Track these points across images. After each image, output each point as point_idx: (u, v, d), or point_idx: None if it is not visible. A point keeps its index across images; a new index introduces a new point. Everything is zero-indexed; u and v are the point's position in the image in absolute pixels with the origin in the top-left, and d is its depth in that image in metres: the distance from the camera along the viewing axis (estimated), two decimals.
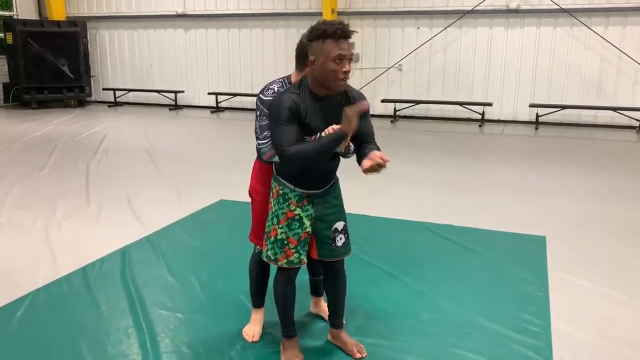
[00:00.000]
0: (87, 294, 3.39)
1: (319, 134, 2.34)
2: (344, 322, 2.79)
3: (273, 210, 2.55)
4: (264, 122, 2.50)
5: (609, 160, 7.46)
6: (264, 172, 2.68)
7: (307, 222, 2.51)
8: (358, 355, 2.65)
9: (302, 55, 2.52)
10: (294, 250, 2.50)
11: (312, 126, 2.37)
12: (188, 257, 4.01)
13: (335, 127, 2.28)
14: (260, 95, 2.56)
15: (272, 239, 2.53)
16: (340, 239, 2.59)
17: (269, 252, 2.55)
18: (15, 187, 5.87)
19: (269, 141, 2.49)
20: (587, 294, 3.42)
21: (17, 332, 2.94)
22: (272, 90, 2.55)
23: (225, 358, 2.70)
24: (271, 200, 2.58)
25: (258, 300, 2.90)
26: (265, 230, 2.60)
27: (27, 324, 3.02)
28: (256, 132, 2.57)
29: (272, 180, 2.60)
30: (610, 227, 4.70)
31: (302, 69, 2.55)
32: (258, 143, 2.57)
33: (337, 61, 2.27)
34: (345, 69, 2.29)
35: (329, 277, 2.70)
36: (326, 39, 2.26)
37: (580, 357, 2.73)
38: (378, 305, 3.22)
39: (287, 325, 2.65)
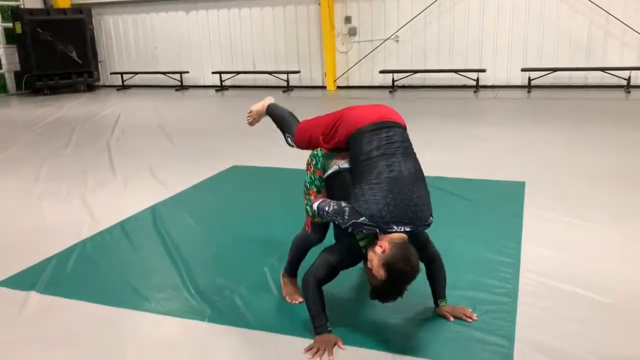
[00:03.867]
0: (127, 241, 3.98)
1: None
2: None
3: (314, 179, 2.80)
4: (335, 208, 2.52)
5: (596, 118, 7.92)
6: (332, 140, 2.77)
7: None
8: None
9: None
10: None
11: None
12: (209, 211, 4.59)
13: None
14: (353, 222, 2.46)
15: (311, 198, 2.78)
16: None
17: (307, 207, 2.81)
18: (45, 164, 6.42)
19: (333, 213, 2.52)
20: (555, 223, 3.98)
21: (73, 271, 3.52)
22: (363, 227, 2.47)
23: (248, 280, 3.27)
24: (312, 170, 2.83)
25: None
26: (306, 190, 2.83)
27: (82, 265, 3.61)
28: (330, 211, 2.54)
29: (315, 157, 2.82)
30: (585, 171, 5.23)
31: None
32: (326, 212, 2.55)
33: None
34: None
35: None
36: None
37: (542, 266, 3.31)
38: None
39: (293, 267, 3.02)
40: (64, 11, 13.66)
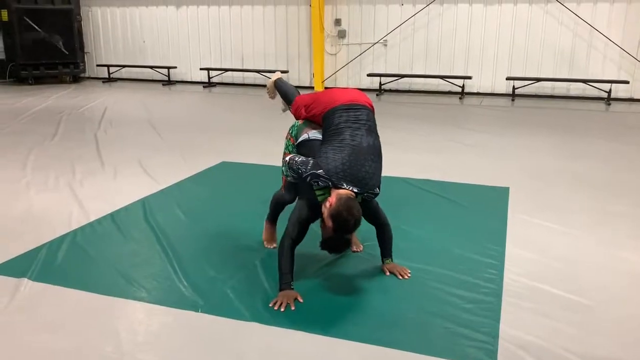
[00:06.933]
0: (118, 232, 4.00)
1: None
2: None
3: (288, 144, 3.44)
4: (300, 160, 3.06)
5: (578, 128, 8.11)
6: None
7: None
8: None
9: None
10: None
11: None
12: (200, 206, 4.63)
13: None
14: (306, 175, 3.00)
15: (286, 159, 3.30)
16: None
17: (283, 168, 3.40)
18: (32, 153, 6.39)
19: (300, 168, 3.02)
20: (538, 228, 4.11)
21: (65, 260, 3.55)
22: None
23: (240, 273, 3.33)
24: (288, 137, 3.46)
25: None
26: (284, 150, 3.47)
27: (73, 254, 3.63)
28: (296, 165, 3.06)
29: (292, 128, 3.45)
30: (566, 179, 5.39)
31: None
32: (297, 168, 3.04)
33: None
34: None
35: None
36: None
37: (524, 268, 3.44)
38: (364, 235, 3.84)
39: (273, 216, 3.67)
40: (52, 1, 13.51)
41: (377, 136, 3.19)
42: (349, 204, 2.84)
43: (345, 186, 2.93)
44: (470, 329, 2.74)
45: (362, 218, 3.02)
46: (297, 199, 3.34)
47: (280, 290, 3.02)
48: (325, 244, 2.96)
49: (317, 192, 3.04)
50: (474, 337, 2.68)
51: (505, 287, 3.19)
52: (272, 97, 3.96)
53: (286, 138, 3.49)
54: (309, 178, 2.96)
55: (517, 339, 2.68)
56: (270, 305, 2.94)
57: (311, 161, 2.99)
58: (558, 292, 3.14)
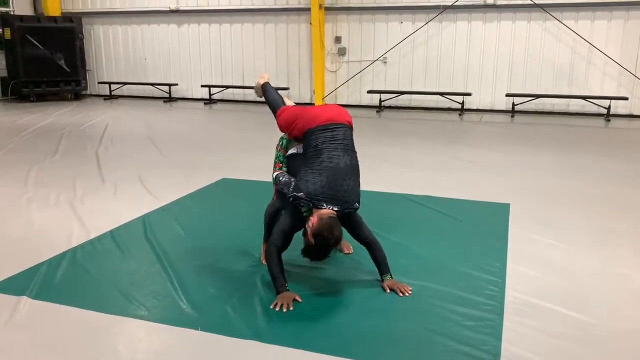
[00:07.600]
0: (118, 249, 3.99)
1: None
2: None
3: (279, 154, 3.58)
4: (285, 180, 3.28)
5: (578, 144, 8.14)
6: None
7: None
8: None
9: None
10: None
11: None
12: (200, 223, 4.62)
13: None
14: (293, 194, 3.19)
15: (277, 169, 3.54)
16: None
17: (273, 177, 3.46)
18: (33, 170, 6.40)
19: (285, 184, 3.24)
20: (538, 244, 4.10)
21: (65, 277, 3.53)
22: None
23: (240, 291, 3.32)
24: (279, 148, 3.59)
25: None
26: (274, 160, 3.60)
27: (73, 271, 3.62)
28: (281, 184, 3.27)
29: (282, 139, 3.59)
30: (567, 196, 5.38)
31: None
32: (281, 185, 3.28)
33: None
34: None
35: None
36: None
37: (526, 285, 3.43)
38: (364, 253, 3.83)
39: (269, 234, 3.54)
40: (54, 19, 13.64)
41: (354, 154, 3.33)
42: (330, 224, 3.03)
43: (326, 206, 3.10)
44: (471, 347, 2.72)
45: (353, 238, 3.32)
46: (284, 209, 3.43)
47: (277, 293, 3.15)
48: (307, 252, 3.14)
49: (302, 209, 3.21)
50: (475, 354, 2.66)
51: (506, 305, 3.17)
52: (260, 96, 4.04)
53: (276, 148, 3.63)
54: (291, 199, 3.16)
55: (518, 356, 2.66)
56: (271, 307, 3.08)
57: (292, 183, 3.19)
58: (560, 310, 3.12)
